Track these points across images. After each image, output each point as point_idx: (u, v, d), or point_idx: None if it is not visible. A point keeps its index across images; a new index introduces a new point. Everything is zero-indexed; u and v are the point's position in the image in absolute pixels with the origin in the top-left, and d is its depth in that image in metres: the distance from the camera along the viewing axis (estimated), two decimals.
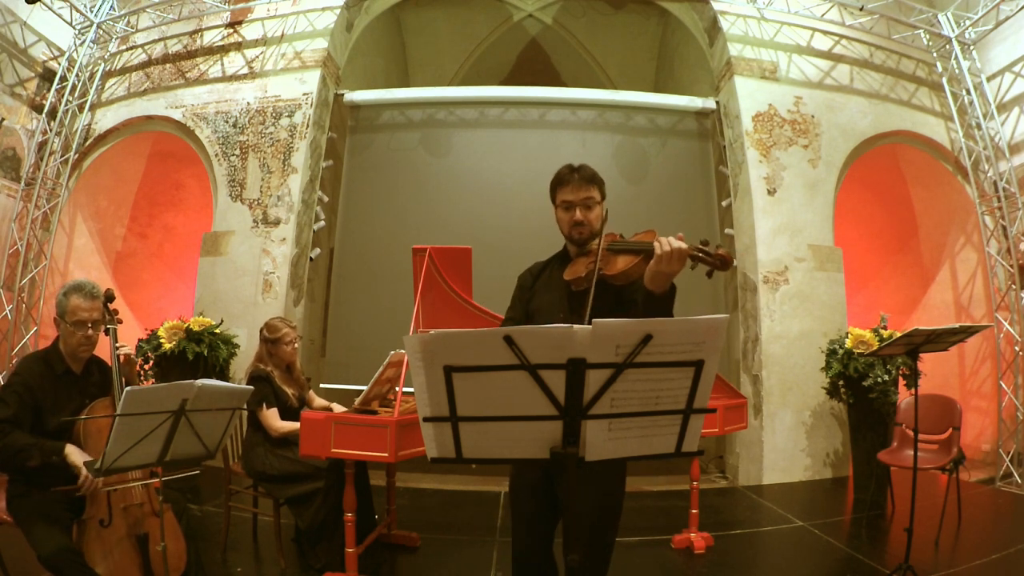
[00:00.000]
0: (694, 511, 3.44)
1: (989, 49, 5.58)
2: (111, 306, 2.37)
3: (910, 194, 6.37)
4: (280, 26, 5.87)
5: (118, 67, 6.08)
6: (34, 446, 2.08)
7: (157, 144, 6.32)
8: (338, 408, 3.16)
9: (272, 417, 3.06)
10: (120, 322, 2.38)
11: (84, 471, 2.04)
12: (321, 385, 5.39)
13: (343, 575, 2.73)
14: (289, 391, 3.22)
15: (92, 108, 5.95)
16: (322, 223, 5.78)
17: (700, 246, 1.65)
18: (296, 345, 3.29)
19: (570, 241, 1.95)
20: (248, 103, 5.70)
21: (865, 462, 4.51)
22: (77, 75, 5.82)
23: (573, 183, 1.90)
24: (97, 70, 5.97)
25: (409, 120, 6.00)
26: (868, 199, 6.48)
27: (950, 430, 3.75)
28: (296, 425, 2.96)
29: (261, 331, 3.25)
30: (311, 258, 5.66)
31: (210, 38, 5.97)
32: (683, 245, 1.61)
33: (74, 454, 2.09)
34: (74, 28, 5.86)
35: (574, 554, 1.25)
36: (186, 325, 4.66)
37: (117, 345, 2.31)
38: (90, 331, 2.25)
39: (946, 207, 6.05)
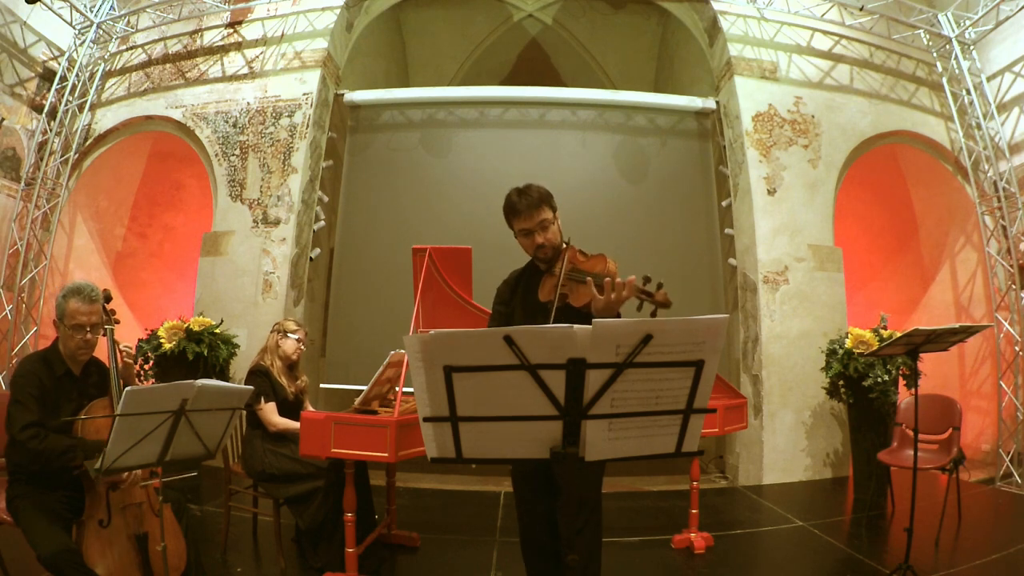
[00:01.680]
0: (694, 511, 3.43)
1: (989, 49, 5.58)
2: (108, 306, 2.37)
3: (910, 194, 6.37)
4: (280, 26, 5.86)
5: (118, 67, 6.08)
6: (75, 446, 2.09)
7: (157, 144, 6.32)
8: None
9: (270, 411, 3.08)
10: (118, 322, 2.38)
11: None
12: (321, 385, 5.40)
13: (343, 575, 2.73)
14: (287, 385, 3.24)
15: (92, 108, 5.95)
16: (322, 223, 5.78)
17: (643, 288, 1.83)
18: (301, 346, 3.33)
19: (536, 260, 2.12)
20: (248, 103, 5.70)
21: (865, 462, 4.51)
22: (77, 75, 5.81)
23: (524, 212, 2.03)
24: (97, 70, 5.97)
25: (409, 120, 6.00)
26: (868, 199, 6.47)
27: (950, 430, 3.75)
28: (294, 424, 2.98)
29: (275, 324, 3.40)
30: (311, 258, 5.66)
31: (210, 38, 5.96)
32: (627, 291, 1.79)
33: None
34: (74, 28, 5.86)
35: (574, 554, 1.25)
36: (186, 325, 4.66)
37: (120, 345, 2.31)
38: (88, 335, 2.25)
39: (946, 207, 6.05)
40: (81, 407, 2.24)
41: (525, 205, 2.02)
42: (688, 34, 6.46)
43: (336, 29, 5.83)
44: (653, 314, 1.83)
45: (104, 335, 2.32)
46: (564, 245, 2.07)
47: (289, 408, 3.18)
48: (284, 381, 3.23)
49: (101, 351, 2.35)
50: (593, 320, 1.08)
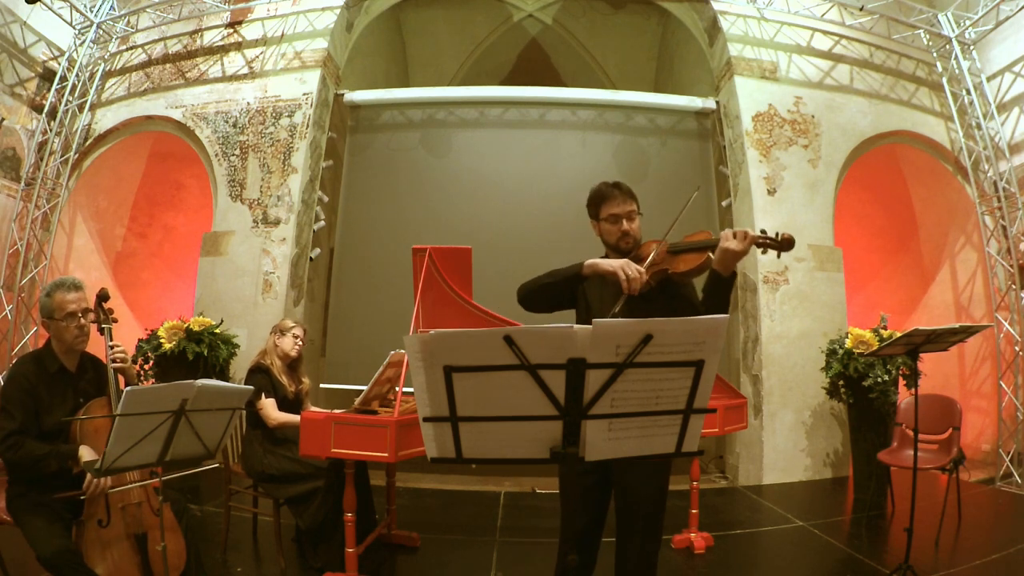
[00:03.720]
0: (694, 511, 3.44)
1: (989, 49, 5.58)
2: (106, 305, 2.36)
3: (910, 194, 6.37)
4: (280, 26, 5.86)
5: (118, 67, 6.08)
6: (50, 454, 2.09)
7: (157, 144, 6.32)
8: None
9: (270, 407, 3.09)
10: (115, 321, 2.37)
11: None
12: (321, 385, 5.40)
13: (343, 575, 2.73)
14: (287, 384, 3.25)
15: (92, 108, 5.95)
16: (322, 223, 5.78)
17: (764, 234, 1.94)
18: (299, 343, 3.34)
19: (615, 251, 2.09)
20: (248, 103, 5.70)
21: (865, 462, 4.51)
22: (77, 75, 5.82)
23: (618, 198, 2.07)
24: (97, 70, 5.97)
25: (409, 120, 6.00)
26: (868, 199, 6.47)
27: (950, 430, 3.75)
28: (293, 417, 3.00)
29: (274, 326, 3.42)
30: (311, 258, 5.66)
31: (210, 38, 5.96)
32: (752, 232, 1.88)
33: (87, 455, 2.09)
34: (74, 28, 5.86)
35: (573, 554, 1.26)
36: (186, 325, 4.66)
37: (111, 344, 2.30)
38: (82, 321, 2.25)
39: (946, 207, 6.05)
40: (78, 405, 2.23)
41: (619, 192, 2.08)
42: (688, 34, 6.45)
43: (336, 29, 5.83)
44: (778, 255, 1.98)
45: (101, 333, 2.32)
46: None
47: (288, 406, 3.18)
48: (284, 380, 3.24)
49: (99, 350, 2.34)
50: (593, 320, 1.09)
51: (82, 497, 2.10)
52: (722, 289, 1.90)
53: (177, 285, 6.76)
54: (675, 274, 1.96)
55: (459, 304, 3.16)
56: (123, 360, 2.31)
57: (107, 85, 6.05)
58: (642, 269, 1.90)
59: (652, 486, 1.90)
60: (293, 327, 3.35)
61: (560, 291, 2.05)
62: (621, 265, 1.89)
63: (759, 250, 1.97)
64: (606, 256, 2.11)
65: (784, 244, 1.94)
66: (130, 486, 2.20)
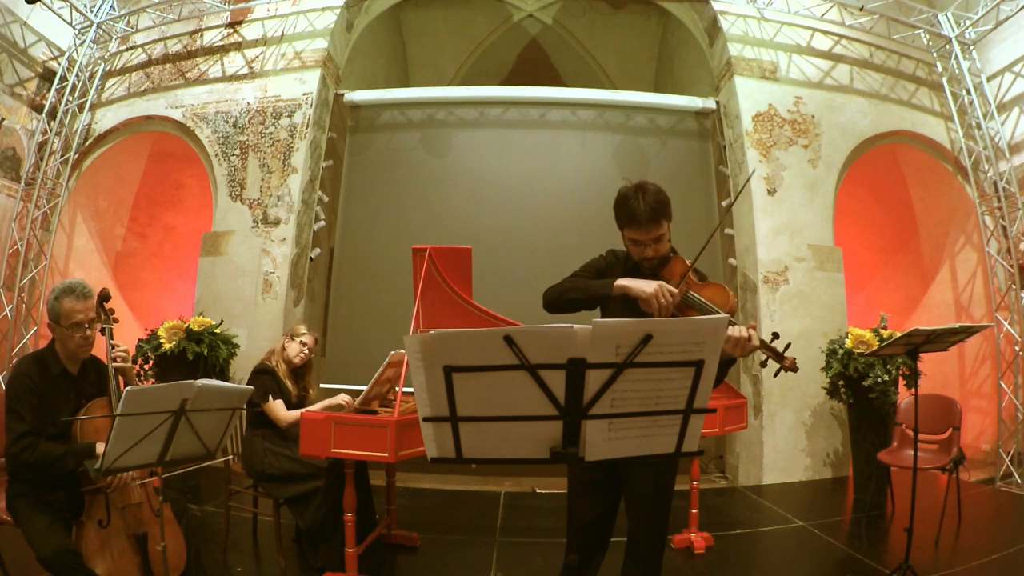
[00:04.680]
0: (694, 511, 3.44)
1: (989, 49, 5.58)
2: (107, 306, 2.36)
3: (910, 194, 6.37)
4: (280, 26, 5.86)
5: (118, 67, 6.08)
6: (67, 454, 2.09)
7: (157, 144, 6.32)
8: (344, 398, 3.15)
9: (279, 408, 3.09)
10: (116, 321, 2.36)
11: None
12: (321, 385, 5.39)
13: (343, 575, 2.73)
14: (291, 388, 3.25)
15: (92, 108, 5.95)
16: (322, 223, 5.78)
17: (770, 344, 1.77)
18: (305, 351, 3.34)
19: (639, 266, 2.00)
20: (248, 103, 5.70)
21: (865, 462, 4.51)
22: (77, 75, 5.81)
23: (644, 225, 1.87)
24: (97, 70, 5.97)
25: (409, 120, 6.00)
26: (868, 199, 6.47)
27: (950, 430, 3.75)
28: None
29: (289, 328, 3.48)
30: (311, 258, 5.66)
31: (210, 38, 5.96)
32: (755, 341, 1.69)
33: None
34: (74, 28, 5.86)
35: (574, 554, 1.26)
36: (186, 325, 4.66)
37: (113, 343, 2.30)
38: (88, 331, 2.24)
39: (946, 207, 6.05)
40: (79, 407, 2.23)
41: (646, 217, 1.85)
42: (688, 34, 6.45)
43: (336, 29, 5.83)
44: (776, 374, 1.81)
45: (103, 334, 2.32)
46: (673, 254, 1.99)
47: (291, 409, 3.17)
48: (288, 384, 3.23)
49: (101, 351, 2.34)
50: (592, 320, 1.09)
51: (109, 490, 2.11)
52: (718, 368, 1.78)
53: (177, 285, 6.76)
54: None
55: (459, 304, 3.17)
56: (124, 360, 2.31)
57: (107, 85, 6.05)
58: (675, 292, 1.78)
59: (655, 486, 1.88)
60: (304, 334, 3.35)
61: (585, 306, 1.99)
62: (655, 293, 1.79)
63: (760, 358, 1.83)
64: (626, 249, 2.05)
65: (787, 366, 1.79)
66: (138, 483, 2.20)
